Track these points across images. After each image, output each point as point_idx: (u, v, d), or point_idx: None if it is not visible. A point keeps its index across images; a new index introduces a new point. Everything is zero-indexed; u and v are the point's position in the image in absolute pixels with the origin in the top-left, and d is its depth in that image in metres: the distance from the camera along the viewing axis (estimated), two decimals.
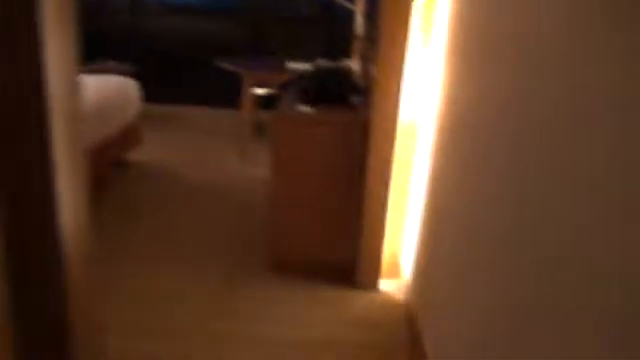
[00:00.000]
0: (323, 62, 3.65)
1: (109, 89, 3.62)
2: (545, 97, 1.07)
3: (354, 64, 4.18)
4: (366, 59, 3.40)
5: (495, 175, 1.35)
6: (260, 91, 4.31)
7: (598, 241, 0.84)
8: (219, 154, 4.52)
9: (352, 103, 2.74)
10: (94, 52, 5.65)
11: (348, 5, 4.12)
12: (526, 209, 1.13)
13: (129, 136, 3.92)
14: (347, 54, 5.36)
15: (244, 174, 4.09)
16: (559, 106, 1.01)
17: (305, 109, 2.55)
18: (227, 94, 5.55)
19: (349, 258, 2.60)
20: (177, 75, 5.99)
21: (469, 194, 1.59)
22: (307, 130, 2.47)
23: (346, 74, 2.90)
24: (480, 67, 1.55)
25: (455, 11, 1.94)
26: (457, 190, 1.74)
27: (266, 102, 4.50)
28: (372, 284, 2.56)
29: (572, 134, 0.95)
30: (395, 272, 2.65)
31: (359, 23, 4.03)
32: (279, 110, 2.52)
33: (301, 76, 3.05)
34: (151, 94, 5.97)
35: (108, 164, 3.63)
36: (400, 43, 2.24)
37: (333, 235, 2.60)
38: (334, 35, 5.32)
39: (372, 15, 3.09)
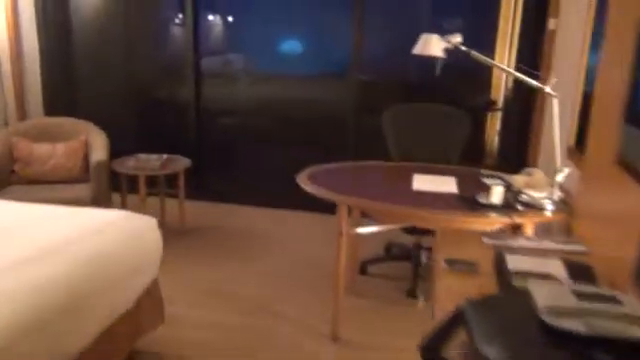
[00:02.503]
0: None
1: (100, 255, 1.97)
2: None
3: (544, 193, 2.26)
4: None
5: None
6: (364, 230, 2.56)
7: None
8: (293, 318, 2.76)
9: None
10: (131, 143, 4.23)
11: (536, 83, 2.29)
12: None
13: (134, 323, 2.24)
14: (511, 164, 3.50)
15: None
16: None
17: None
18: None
19: None
20: (242, 168, 4.42)
21: None
22: None
23: None
24: None
25: None
26: None
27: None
28: None
29: None
30: None
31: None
32: None
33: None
34: (205, 190, 4.45)
35: None
36: None
37: None
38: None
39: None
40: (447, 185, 2.50)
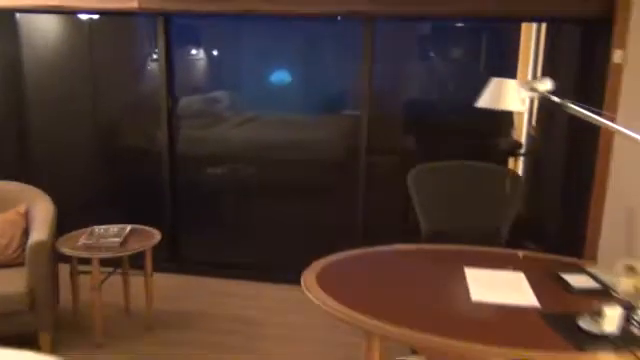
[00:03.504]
0: None
1: None
2: None
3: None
4: None
5: None
6: None
7: None
8: None
9: None
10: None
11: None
12: None
13: None
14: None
15: None
16: None
17: None
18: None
19: None
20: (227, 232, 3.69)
21: None
22: None
23: None
24: None
25: None
26: None
27: None
28: None
29: None
30: None
31: None
32: None
33: None
34: (182, 260, 3.67)
35: None
36: None
37: None
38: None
39: None
40: (518, 290, 1.74)
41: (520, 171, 4.95)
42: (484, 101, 1.48)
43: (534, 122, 4.79)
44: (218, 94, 4.55)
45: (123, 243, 2.75)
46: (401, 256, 2.06)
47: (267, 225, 3.75)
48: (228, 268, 3.59)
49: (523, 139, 4.99)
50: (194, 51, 4.89)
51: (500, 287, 1.77)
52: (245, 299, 3.31)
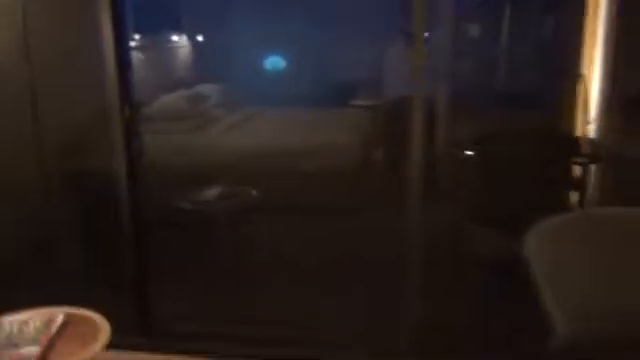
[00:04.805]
0: None
1: None
2: None
3: None
4: None
5: None
6: None
7: None
8: None
9: None
10: None
11: None
12: None
13: None
14: None
15: None
16: None
17: None
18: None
19: None
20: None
21: None
22: None
23: None
24: None
25: None
26: None
27: None
28: None
29: None
30: None
31: None
32: None
33: None
34: (158, 332, 2.54)
35: None
36: None
37: None
38: None
39: None
40: None
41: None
42: None
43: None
44: (202, 88, 3.45)
45: (47, 351, 1.63)
46: None
47: (281, 275, 2.65)
48: (226, 340, 2.48)
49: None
50: (174, 37, 3.80)
51: None
52: None
